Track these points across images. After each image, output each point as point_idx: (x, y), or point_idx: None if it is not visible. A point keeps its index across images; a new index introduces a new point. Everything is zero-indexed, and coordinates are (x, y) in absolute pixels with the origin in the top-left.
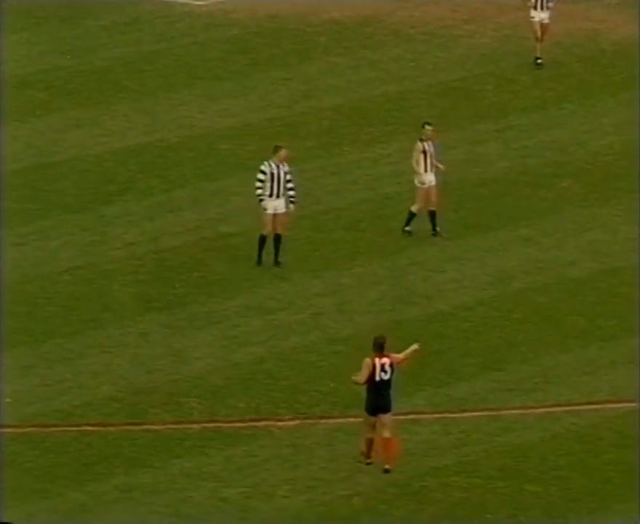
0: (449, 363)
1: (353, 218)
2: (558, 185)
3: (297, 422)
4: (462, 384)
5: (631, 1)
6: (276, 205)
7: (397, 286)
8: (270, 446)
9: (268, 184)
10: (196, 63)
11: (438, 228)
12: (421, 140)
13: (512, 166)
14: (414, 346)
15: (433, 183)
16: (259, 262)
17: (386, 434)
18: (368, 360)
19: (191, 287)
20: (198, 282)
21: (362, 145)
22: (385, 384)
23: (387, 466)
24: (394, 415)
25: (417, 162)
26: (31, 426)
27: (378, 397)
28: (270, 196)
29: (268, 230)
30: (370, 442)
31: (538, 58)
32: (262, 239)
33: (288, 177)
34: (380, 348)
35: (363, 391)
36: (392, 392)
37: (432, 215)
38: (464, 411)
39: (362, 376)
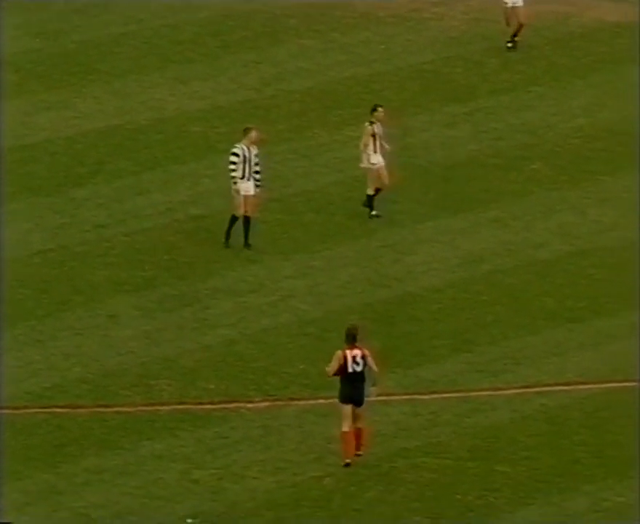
0: (418, 345)
1: (323, 201)
2: (528, 167)
3: (267, 404)
4: (432, 366)
5: None
6: (246, 187)
7: (367, 268)
8: (241, 428)
9: (240, 166)
10: (166, 46)
11: (376, 212)
12: (371, 122)
13: (482, 148)
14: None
15: (383, 163)
16: (226, 241)
17: (358, 424)
18: (339, 352)
19: (161, 269)
20: (168, 264)
21: (332, 128)
22: (359, 376)
23: (358, 452)
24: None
25: (366, 144)
26: (2, 408)
27: (352, 389)
28: (242, 178)
29: (240, 212)
30: (348, 437)
31: (509, 41)
32: (234, 220)
33: (256, 160)
34: (352, 340)
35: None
36: (366, 384)
37: (376, 192)
38: (433, 392)
39: (332, 368)
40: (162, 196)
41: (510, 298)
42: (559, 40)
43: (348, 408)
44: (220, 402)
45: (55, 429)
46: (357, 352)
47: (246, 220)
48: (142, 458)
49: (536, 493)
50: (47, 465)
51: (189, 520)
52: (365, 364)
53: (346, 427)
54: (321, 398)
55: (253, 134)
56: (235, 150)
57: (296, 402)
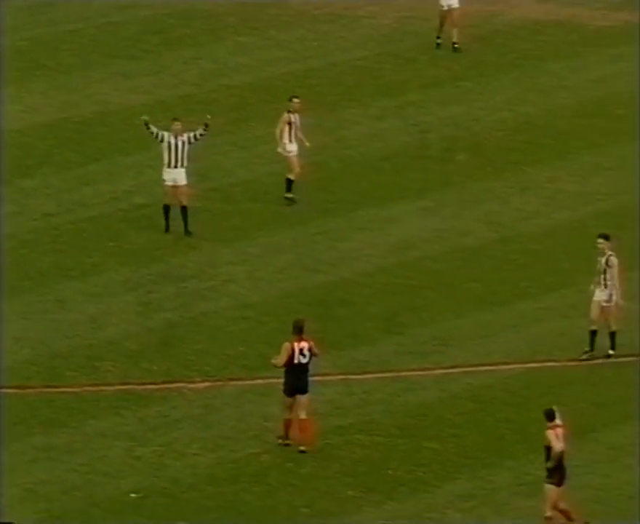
0: (352, 327)
1: (261, 190)
2: (455, 158)
3: (207, 384)
4: (365, 347)
5: None
6: (174, 177)
7: (302, 254)
8: (182, 407)
9: (166, 154)
10: (110, 43)
11: (291, 195)
12: (288, 111)
13: (411, 140)
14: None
15: (296, 153)
16: (166, 230)
17: (302, 415)
18: (287, 344)
19: (107, 255)
20: (113, 250)
21: (269, 121)
22: (304, 367)
23: (302, 448)
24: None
25: (282, 132)
26: None
27: (296, 380)
28: (169, 166)
29: (166, 200)
30: (288, 423)
31: (437, 41)
32: (164, 208)
33: (187, 147)
34: (299, 332)
35: (271, 354)
36: (309, 375)
37: (289, 181)
38: (366, 373)
39: (281, 359)
40: (107, 186)
41: (439, 282)
42: (484, 37)
43: (290, 400)
44: (162, 383)
45: (4, 408)
46: (304, 344)
47: (183, 209)
48: (87, 436)
49: (462, 467)
50: None
51: (132, 495)
52: (311, 355)
53: (287, 415)
54: (259, 378)
55: (174, 125)
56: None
57: (235, 382)
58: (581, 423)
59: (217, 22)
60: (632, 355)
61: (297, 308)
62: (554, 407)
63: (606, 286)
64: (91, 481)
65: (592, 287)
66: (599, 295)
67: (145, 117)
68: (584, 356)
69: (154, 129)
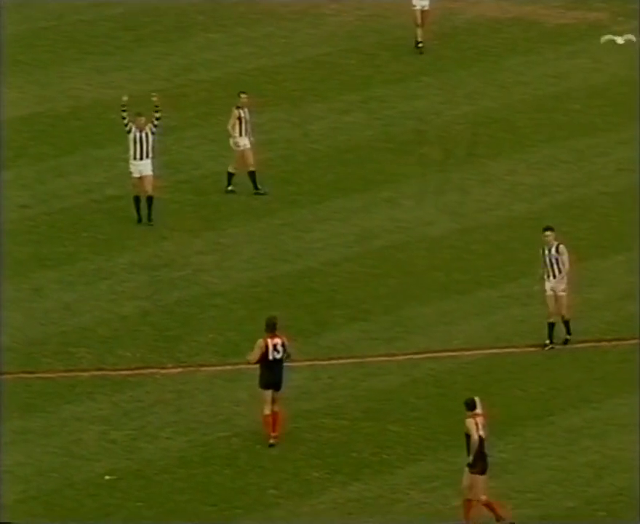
0: (318, 315)
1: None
2: (418, 151)
3: (179, 370)
4: (330, 334)
5: None
6: (141, 169)
7: (270, 245)
8: (155, 392)
9: (132, 147)
10: (84, 39)
11: (260, 186)
12: (237, 107)
13: (375, 134)
14: None
15: (248, 146)
16: (138, 220)
17: (275, 408)
18: (261, 341)
19: (81, 245)
20: (87, 240)
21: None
22: (278, 363)
23: (271, 441)
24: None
25: (233, 127)
26: None
27: (272, 375)
28: (135, 159)
29: (135, 191)
30: (269, 419)
31: (419, 42)
32: (134, 199)
33: (151, 138)
34: (272, 329)
35: (241, 341)
36: (284, 370)
37: (251, 175)
38: (332, 359)
39: (254, 356)
40: (81, 178)
41: (402, 271)
42: (445, 34)
43: (268, 393)
44: (135, 368)
45: None
46: (277, 341)
47: (148, 199)
48: (63, 420)
49: (425, 450)
50: None
51: (107, 477)
52: (284, 351)
53: (267, 410)
54: (229, 364)
55: (137, 120)
56: (127, 130)
57: (206, 368)
58: (539, 407)
59: (187, 20)
60: (587, 341)
61: (265, 297)
62: (475, 397)
63: (560, 273)
64: (66, 463)
65: (543, 279)
66: (551, 285)
67: (125, 98)
68: (546, 349)
69: (126, 117)
